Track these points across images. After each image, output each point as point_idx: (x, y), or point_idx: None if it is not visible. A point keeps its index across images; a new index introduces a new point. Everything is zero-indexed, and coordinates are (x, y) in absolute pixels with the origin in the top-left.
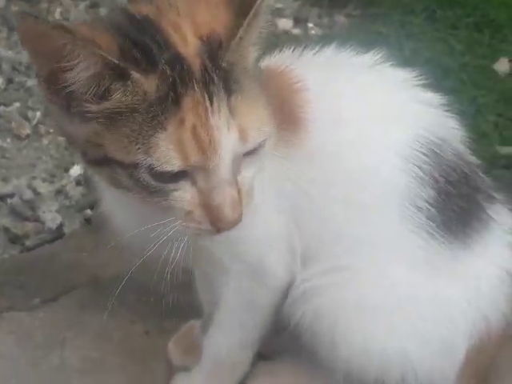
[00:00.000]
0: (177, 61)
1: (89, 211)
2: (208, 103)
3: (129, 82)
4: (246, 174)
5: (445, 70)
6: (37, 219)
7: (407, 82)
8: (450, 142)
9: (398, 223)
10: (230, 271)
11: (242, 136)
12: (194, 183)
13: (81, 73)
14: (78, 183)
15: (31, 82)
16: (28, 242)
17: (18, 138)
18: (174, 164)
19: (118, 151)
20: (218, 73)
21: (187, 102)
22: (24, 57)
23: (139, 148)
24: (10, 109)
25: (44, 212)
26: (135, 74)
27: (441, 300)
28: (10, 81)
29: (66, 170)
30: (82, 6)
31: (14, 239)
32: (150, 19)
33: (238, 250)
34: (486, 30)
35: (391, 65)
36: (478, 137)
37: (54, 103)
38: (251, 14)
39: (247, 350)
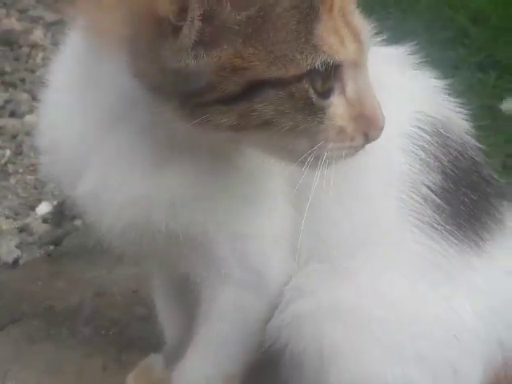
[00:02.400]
0: None
1: (51, 247)
2: None
3: None
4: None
5: None
6: None
7: (405, 59)
8: (456, 122)
9: (397, 216)
10: (229, 278)
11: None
12: (342, 93)
13: None
14: (45, 221)
15: (2, 122)
16: None
17: None
18: (339, 53)
19: (275, 66)
20: None
21: None
22: None
23: (303, 50)
24: None
25: (1, 246)
26: None
27: (448, 314)
28: None
29: (32, 208)
30: None
31: None
32: None
33: (244, 248)
34: (491, 71)
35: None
36: None
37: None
38: None
39: (231, 382)
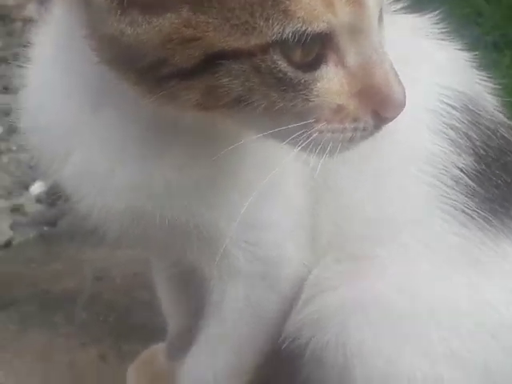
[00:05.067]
0: None
1: (45, 228)
2: None
3: None
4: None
5: None
6: None
7: (429, 28)
8: (485, 98)
9: (427, 201)
10: (241, 271)
11: None
12: (339, 63)
13: None
14: (39, 201)
15: None
16: None
17: None
18: (321, 20)
19: (234, 35)
20: None
21: None
22: None
23: (269, 16)
24: None
25: None
26: None
27: (482, 308)
28: None
29: (26, 187)
30: None
31: None
32: None
33: (255, 238)
34: (507, 50)
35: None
36: None
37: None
38: None
39: (240, 380)
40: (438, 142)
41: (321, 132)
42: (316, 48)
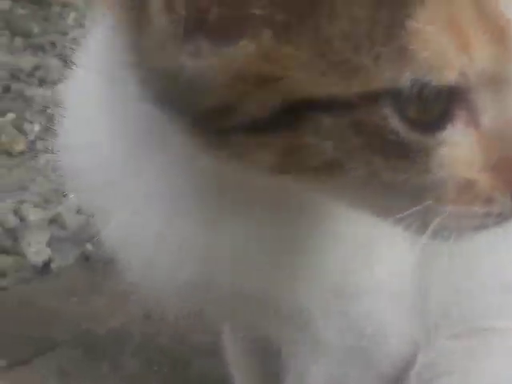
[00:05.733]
0: None
1: (89, 246)
2: None
3: None
4: None
5: None
6: (18, 252)
7: None
8: None
9: None
10: (326, 346)
11: None
12: (472, 123)
13: None
14: (79, 211)
15: (31, 91)
16: (4, 282)
17: (9, 154)
18: (453, 67)
19: (330, 77)
20: None
21: None
22: (25, 62)
23: (381, 54)
24: (2, 120)
25: (29, 244)
26: None
27: None
28: (6, 89)
29: (65, 194)
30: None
31: None
32: None
33: (346, 308)
34: None
35: None
36: None
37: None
38: None
39: None
40: None
41: (448, 216)
42: (441, 103)
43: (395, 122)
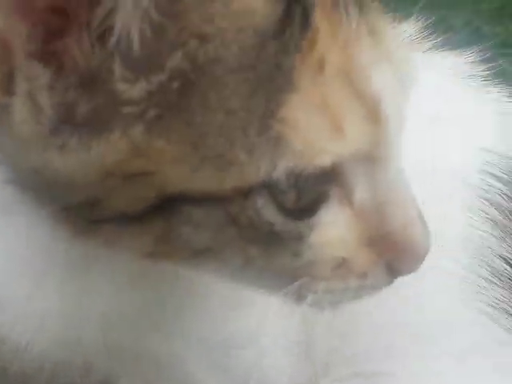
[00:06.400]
0: None
1: None
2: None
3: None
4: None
5: None
6: None
7: (469, 71)
8: None
9: (462, 301)
10: None
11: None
12: (345, 200)
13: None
14: None
15: None
16: None
17: None
18: (327, 151)
19: (203, 172)
20: None
21: (323, 27)
22: None
23: (254, 147)
24: None
25: None
26: None
27: None
28: None
29: None
30: None
31: None
32: None
33: (230, 358)
34: None
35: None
36: None
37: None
38: None
39: None
40: (479, 226)
41: (315, 293)
42: (317, 187)
43: (270, 213)
